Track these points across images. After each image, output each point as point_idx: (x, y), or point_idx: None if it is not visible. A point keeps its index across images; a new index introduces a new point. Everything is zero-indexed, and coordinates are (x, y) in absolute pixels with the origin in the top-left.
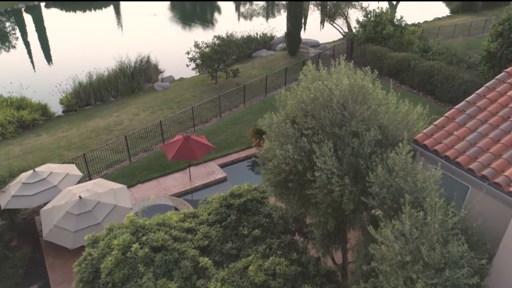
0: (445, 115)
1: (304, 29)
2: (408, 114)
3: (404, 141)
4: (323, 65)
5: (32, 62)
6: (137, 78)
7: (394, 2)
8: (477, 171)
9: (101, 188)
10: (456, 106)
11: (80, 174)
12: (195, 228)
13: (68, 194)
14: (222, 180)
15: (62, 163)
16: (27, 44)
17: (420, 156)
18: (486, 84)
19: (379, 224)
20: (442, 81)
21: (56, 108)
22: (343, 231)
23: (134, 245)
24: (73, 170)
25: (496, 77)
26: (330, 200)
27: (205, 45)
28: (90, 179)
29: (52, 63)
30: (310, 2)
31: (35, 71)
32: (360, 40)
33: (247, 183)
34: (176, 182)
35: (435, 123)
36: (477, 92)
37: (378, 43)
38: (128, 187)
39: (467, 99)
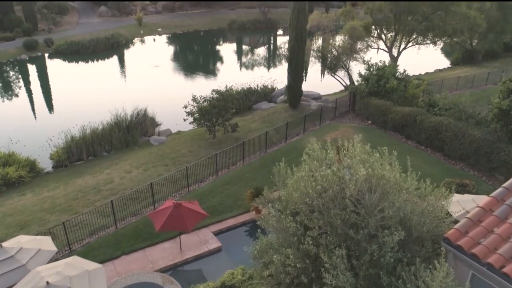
0: (480, 205)
1: (305, 80)
2: (436, 207)
3: (441, 259)
4: (331, 144)
5: (34, 112)
6: (132, 131)
7: (395, 54)
8: None
9: (74, 270)
10: (492, 194)
11: (54, 249)
12: None
13: (36, 278)
14: (216, 251)
15: (37, 234)
16: (29, 93)
17: (452, 258)
18: None
19: None
20: (451, 138)
21: (46, 164)
22: None
23: None
24: (46, 244)
25: None
26: None
27: (203, 99)
28: (70, 248)
29: (53, 112)
30: (311, 55)
31: (36, 120)
32: (362, 94)
33: (241, 266)
34: (164, 253)
35: (469, 216)
36: None
37: (382, 96)
38: (111, 259)
39: (504, 185)
